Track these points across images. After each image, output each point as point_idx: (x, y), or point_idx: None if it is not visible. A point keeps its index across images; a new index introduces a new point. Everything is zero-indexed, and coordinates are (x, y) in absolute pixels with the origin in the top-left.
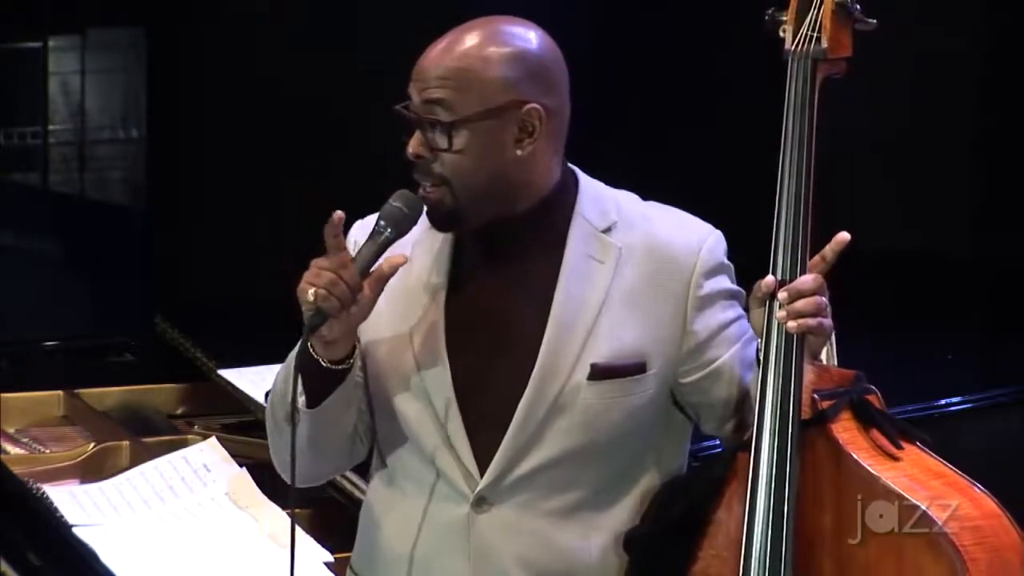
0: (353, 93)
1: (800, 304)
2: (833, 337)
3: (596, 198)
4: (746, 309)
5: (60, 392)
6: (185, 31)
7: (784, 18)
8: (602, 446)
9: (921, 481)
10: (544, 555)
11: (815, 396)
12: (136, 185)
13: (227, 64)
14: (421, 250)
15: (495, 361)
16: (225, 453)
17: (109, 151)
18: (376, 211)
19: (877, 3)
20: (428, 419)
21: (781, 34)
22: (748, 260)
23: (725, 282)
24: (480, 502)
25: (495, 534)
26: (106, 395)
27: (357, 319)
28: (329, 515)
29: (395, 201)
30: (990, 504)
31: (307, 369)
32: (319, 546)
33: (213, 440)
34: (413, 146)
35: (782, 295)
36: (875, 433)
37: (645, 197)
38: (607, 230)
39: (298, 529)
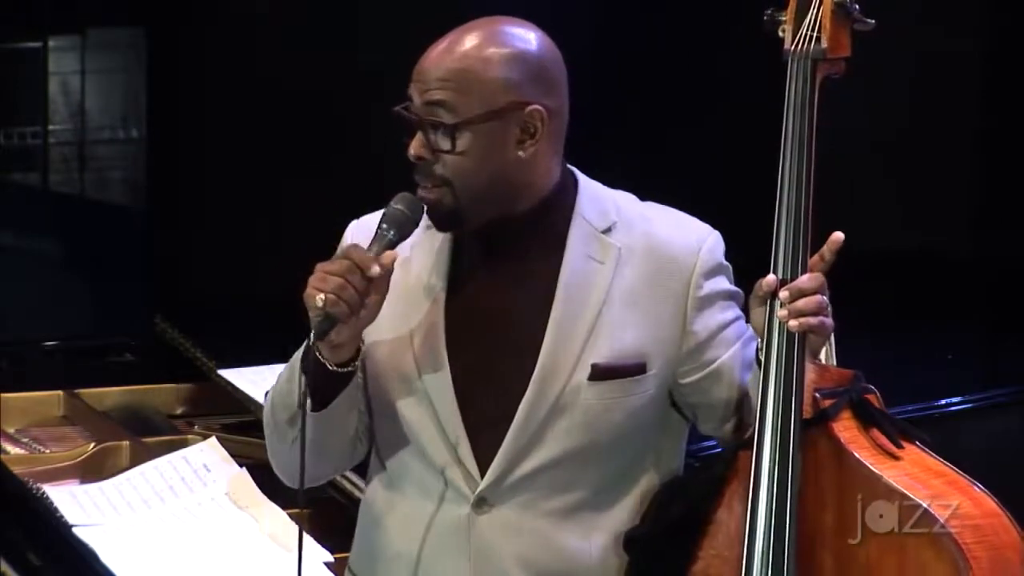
0: (353, 93)
1: (801, 303)
2: (832, 337)
3: (595, 198)
4: (745, 309)
5: (60, 392)
6: (185, 31)
7: (783, 18)
8: (603, 446)
9: (922, 480)
10: (544, 555)
11: (816, 395)
12: (136, 185)
13: (227, 64)
14: (420, 251)
15: (495, 362)
16: (225, 453)
17: (109, 151)
18: (375, 210)
19: (878, 3)
20: (428, 420)
21: (780, 34)
22: (748, 260)
23: (724, 282)
24: (481, 503)
25: (495, 534)
26: (106, 395)
27: (365, 322)
28: (329, 515)
29: (397, 204)
30: (990, 503)
31: (313, 372)
32: (319, 546)
33: (213, 440)
34: (415, 148)
35: (783, 294)
36: (875, 432)
37: (645, 197)
38: (607, 230)
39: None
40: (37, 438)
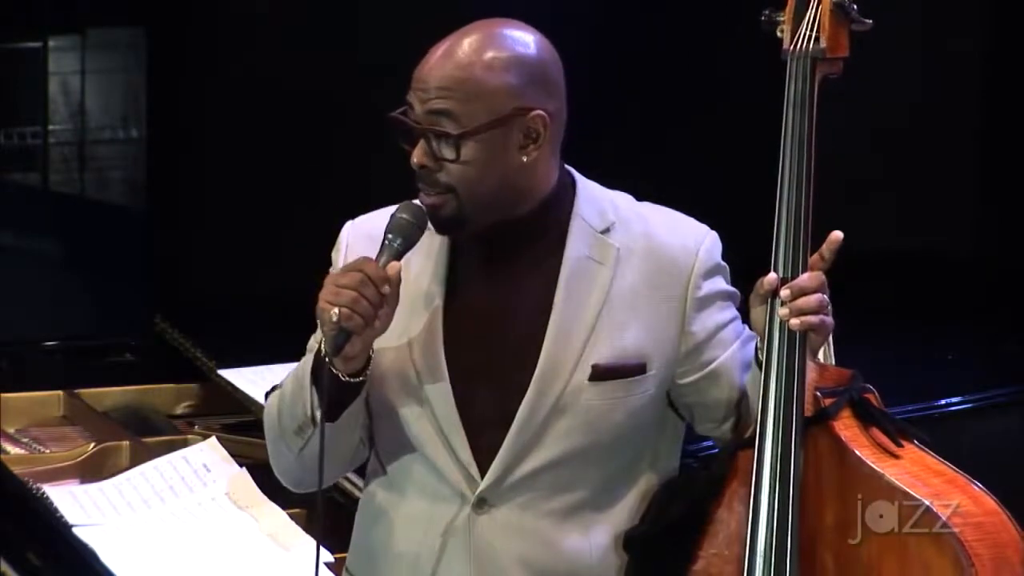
0: (353, 93)
1: (802, 301)
2: (831, 336)
3: (593, 199)
4: (740, 309)
5: (60, 392)
6: (185, 31)
7: (781, 18)
8: (603, 447)
9: (923, 479)
10: (545, 555)
11: (817, 393)
12: (136, 185)
13: (227, 64)
14: (418, 253)
15: (495, 363)
16: (225, 453)
17: (109, 151)
18: (373, 210)
19: (879, 3)
20: (428, 422)
21: (779, 34)
22: (747, 260)
23: (721, 283)
24: (481, 503)
25: (496, 535)
26: (106, 395)
27: (377, 333)
28: (329, 515)
29: (402, 213)
30: (989, 502)
31: (324, 384)
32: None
33: (213, 440)
34: (417, 156)
35: (784, 292)
36: (875, 431)
37: (645, 197)
38: (605, 231)
39: (298, 529)
40: (37, 438)
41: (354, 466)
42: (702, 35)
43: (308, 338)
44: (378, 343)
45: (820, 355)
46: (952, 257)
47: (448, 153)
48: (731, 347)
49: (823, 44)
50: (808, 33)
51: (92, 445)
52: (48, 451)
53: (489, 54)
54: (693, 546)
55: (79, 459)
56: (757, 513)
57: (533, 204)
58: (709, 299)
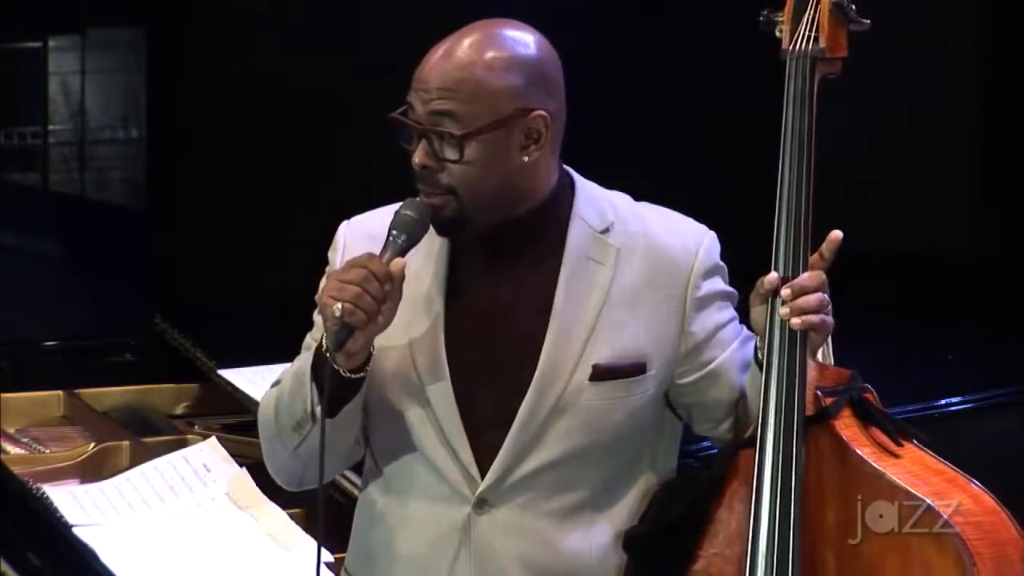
0: (353, 93)
1: (803, 300)
2: (829, 336)
3: (592, 199)
4: (739, 309)
5: (60, 392)
6: (185, 31)
7: (779, 18)
8: (603, 447)
9: (923, 478)
10: (545, 555)
11: (818, 392)
12: (136, 185)
13: (227, 64)
14: (419, 254)
15: (495, 363)
16: (225, 453)
17: (109, 151)
18: (372, 209)
19: (879, 3)
20: (428, 422)
21: (777, 34)
22: (747, 260)
23: (720, 283)
24: (481, 504)
25: (496, 535)
26: (106, 395)
27: (379, 329)
28: (328, 514)
29: (406, 210)
30: (989, 501)
31: (326, 379)
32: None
33: (213, 440)
34: (419, 157)
35: (785, 292)
36: (875, 431)
37: (645, 197)
38: (605, 231)
39: (298, 529)
40: (37, 438)
41: (349, 464)
42: (702, 35)
43: (320, 346)
44: (379, 343)
45: (819, 355)
46: (952, 257)
47: (451, 153)
48: (730, 347)
49: (822, 44)
50: (807, 33)
51: (92, 445)
52: (48, 451)
53: (490, 54)
54: (693, 546)
55: (79, 459)
56: (759, 512)
57: (533, 204)
58: (708, 299)
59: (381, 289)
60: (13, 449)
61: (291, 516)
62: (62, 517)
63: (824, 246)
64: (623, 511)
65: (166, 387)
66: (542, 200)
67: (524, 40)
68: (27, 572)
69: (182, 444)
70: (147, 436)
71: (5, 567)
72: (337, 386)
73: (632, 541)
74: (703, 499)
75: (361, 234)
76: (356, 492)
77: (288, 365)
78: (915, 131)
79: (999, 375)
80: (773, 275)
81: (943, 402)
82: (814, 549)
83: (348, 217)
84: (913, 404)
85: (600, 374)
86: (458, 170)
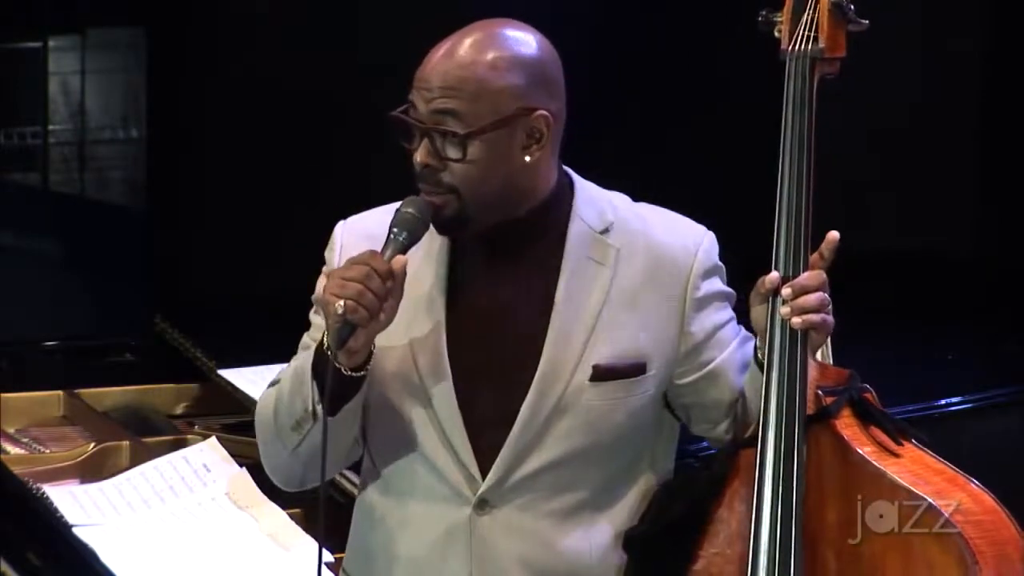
0: (353, 93)
1: (804, 300)
2: (829, 336)
3: (592, 200)
4: (738, 309)
5: (60, 392)
6: (185, 31)
7: (778, 19)
8: (603, 447)
9: (924, 477)
10: (545, 556)
11: (819, 392)
12: (136, 185)
13: (227, 64)
14: (419, 253)
15: (496, 363)
16: (225, 453)
17: (109, 151)
18: (371, 208)
19: (878, 3)
20: (429, 422)
21: (777, 34)
22: (747, 260)
23: (719, 283)
24: (482, 504)
25: (496, 536)
26: (106, 395)
27: (381, 326)
28: (328, 515)
29: (407, 207)
30: (988, 500)
31: (327, 377)
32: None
33: (213, 440)
34: (421, 155)
35: (786, 291)
36: (875, 430)
37: (645, 197)
38: (604, 231)
39: (298, 529)
40: (37, 438)
41: (348, 464)
42: (702, 35)
43: (322, 344)
44: (379, 343)
45: (818, 354)
46: (952, 257)
47: (453, 153)
48: (729, 347)
49: (822, 44)
50: (806, 33)
51: (92, 445)
52: (48, 451)
53: (492, 54)
54: (693, 546)
55: (79, 459)
56: (760, 511)
57: (534, 204)
58: (707, 299)
59: (383, 286)
60: (13, 449)
61: (291, 516)
62: (62, 517)
63: (823, 246)
64: (623, 511)
65: (166, 387)
66: (542, 200)
67: (526, 40)
68: (27, 572)
69: (182, 444)
70: (147, 436)
71: (5, 567)
72: (338, 384)
73: (632, 541)
74: (703, 499)
75: (358, 234)
76: (355, 492)
77: (286, 366)
78: (915, 131)
79: (999, 375)
80: (774, 274)
81: (943, 402)
82: (815, 549)
83: (348, 217)
84: (913, 404)
85: (600, 374)
86: (460, 169)
